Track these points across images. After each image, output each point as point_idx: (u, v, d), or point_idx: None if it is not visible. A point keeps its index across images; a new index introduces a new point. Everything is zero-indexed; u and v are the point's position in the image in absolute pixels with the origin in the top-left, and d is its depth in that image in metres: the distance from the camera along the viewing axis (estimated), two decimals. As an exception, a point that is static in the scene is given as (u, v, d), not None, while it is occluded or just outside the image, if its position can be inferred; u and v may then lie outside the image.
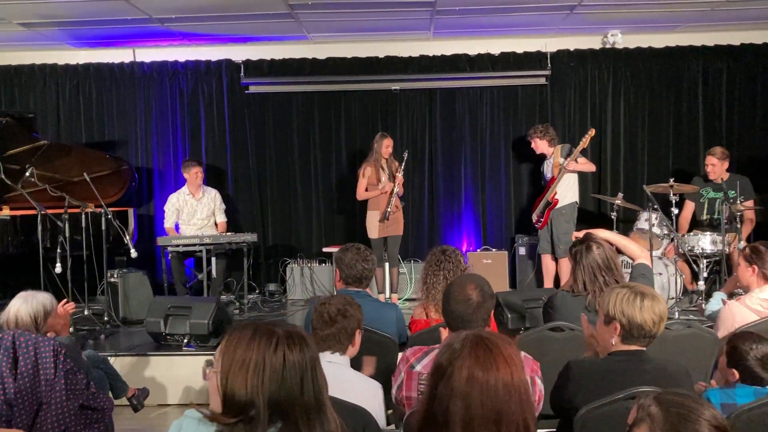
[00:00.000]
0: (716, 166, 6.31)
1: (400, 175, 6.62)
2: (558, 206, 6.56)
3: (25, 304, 3.35)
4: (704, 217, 6.51)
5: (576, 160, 6.53)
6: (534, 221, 6.80)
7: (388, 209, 6.54)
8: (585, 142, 6.56)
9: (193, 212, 6.89)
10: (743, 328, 3.16)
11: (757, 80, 7.53)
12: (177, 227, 6.94)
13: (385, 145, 6.69)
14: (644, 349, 2.46)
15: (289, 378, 1.60)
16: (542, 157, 6.95)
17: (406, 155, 6.76)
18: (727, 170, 6.42)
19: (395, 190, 6.59)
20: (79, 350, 3.79)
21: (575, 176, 6.68)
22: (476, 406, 1.60)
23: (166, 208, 6.96)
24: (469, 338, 1.68)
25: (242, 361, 1.60)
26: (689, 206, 6.63)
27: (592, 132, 6.61)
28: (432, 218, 7.81)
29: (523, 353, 2.47)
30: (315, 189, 7.81)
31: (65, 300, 3.75)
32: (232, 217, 7.50)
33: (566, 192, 6.61)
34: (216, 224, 7.04)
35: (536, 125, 6.91)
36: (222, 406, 1.61)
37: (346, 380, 2.60)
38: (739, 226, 5.83)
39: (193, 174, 6.80)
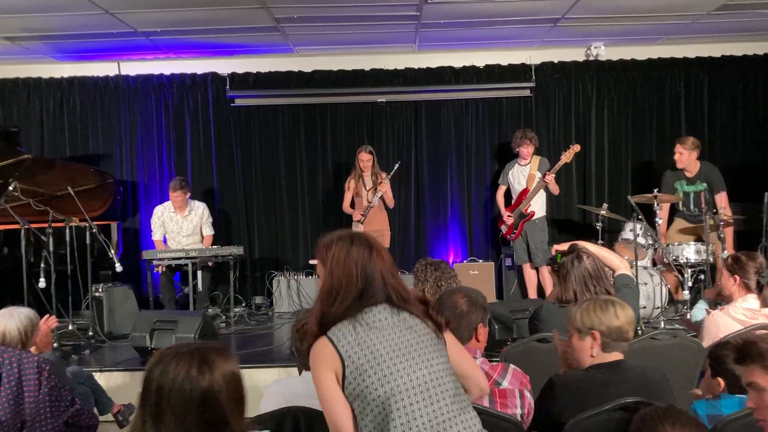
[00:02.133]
0: (683, 155, 6.33)
1: (381, 185, 6.63)
2: (534, 217, 6.68)
3: (12, 319, 3.31)
4: (682, 208, 6.54)
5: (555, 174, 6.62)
6: (505, 232, 6.86)
7: (363, 215, 6.65)
8: (569, 156, 6.63)
9: (179, 229, 6.87)
10: (727, 337, 3.18)
11: (738, 92, 7.64)
12: (165, 240, 6.92)
13: (360, 159, 6.74)
14: (623, 358, 2.50)
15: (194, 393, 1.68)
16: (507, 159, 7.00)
17: (397, 165, 6.80)
18: (698, 159, 6.44)
19: (372, 200, 6.62)
20: (63, 367, 3.76)
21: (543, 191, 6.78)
22: None
23: (152, 221, 6.93)
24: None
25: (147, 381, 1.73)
26: (665, 204, 6.62)
27: (576, 148, 6.67)
28: (418, 230, 7.83)
29: (512, 366, 2.48)
30: (301, 201, 7.81)
31: (48, 315, 3.71)
32: (218, 230, 7.47)
33: (539, 204, 6.73)
34: (203, 237, 7.02)
35: (529, 131, 6.87)
36: None
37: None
38: (722, 236, 5.88)
39: (175, 197, 6.75)
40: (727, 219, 6.06)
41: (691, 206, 6.46)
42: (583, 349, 2.50)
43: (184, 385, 1.68)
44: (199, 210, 6.99)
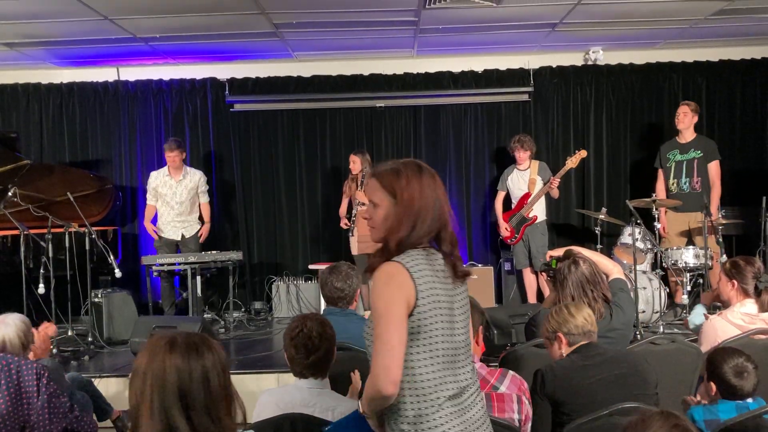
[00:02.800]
0: (687, 116, 6.43)
1: (358, 193, 6.61)
2: (536, 222, 6.70)
3: (8, 327, 3.31)
4: (672, 182, 6.57)
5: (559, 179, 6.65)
6: (506, 236, 6.86)
7: (351, 224, 6.66)
8: (575, 161, 6.64)
9: (173, 194, 6.83)
10: (725, 342, 3.18)
11: (736, 95, 7.66)
12: (155, 219, 6.91)
13: (350, 161, 6.74)
14: (592, 340, 2.82)
15: (174, 382, 1.68)
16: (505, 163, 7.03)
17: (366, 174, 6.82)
18: (696, 131, 6.56)
19: (355, 207, 6.64)
20: (62, 373, 3.75)
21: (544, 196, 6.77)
22: None
23: (147, 185, 6.92)
24: None
25: (133, 371, 1.72)
26: (660, 175, 6.72)
27: (583, 153, 6.69)
28: (418, 234, 7.81)
29: (511, 372, 2.49)
30: (300, 206, 7.81)
31: (46, 322, 3.71)
32: (217, 235, 7.48)
33: (540, 208, 6.74)
34: (200, 206, 7.00)
35: (522, 136, 6.89)
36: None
37: (328, 407, 2.57)
38: (720, 239, 5.89)
39: (170, 158, 6.73)
40: (724, 222, 6.08)
41: (683, 177, 6.48)
42: (555, 352, 2.83)
43: (173, 372, 1.69)
44: (195, 176, 6.94)
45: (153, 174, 6.91)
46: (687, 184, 6.48)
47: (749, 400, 2.59)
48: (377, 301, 1.91)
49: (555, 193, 6.79)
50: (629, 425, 1.86)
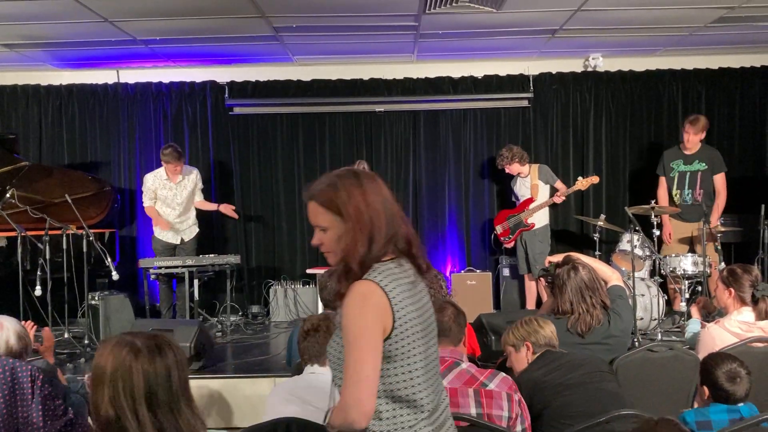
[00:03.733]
0: (697, 136, 6.36)
1: None
2: (535, 228, 6.67)
3: (3, 330, 3.30)
4: (674, 192, 6.56)
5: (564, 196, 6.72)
6: (499, 233, 6.86)
7: None
8: (585, 185, 6.64)
9: (174, 195, 6.82)
10: (723, 350, 3.17)
11: (735, 104, 7.67)
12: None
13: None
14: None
15: (142, 386, 1.74)
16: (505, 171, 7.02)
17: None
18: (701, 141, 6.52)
19: None
20: (56, 375, 3.73)
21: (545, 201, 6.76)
22: None
23: (143, 188, 6.87)
24: None
25: (99, 376, 1.75)
26: (662, 182, 6.69)
27: (595, 179, 6.71)
28: (416, 239, 7.81)
29: (503, 374, 2.49)
30: (299, 210, 7.80)
31: (31, 323, 3.70)
32: (215, 239, 7.47)
33: (540, 215, 6.72)
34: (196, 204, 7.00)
35: (500, 152, 6.90)
36: (94, 420, 1.78)
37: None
38: (719, 246, 5.88)
39: (171, 169, 6.70)
40: (722, 230, 6.08)
41: (686, 189, 6.48)
42: (520, 359, 2.94)
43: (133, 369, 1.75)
44: (192, 175, 6.93)
45: (149, 177, 6.86)
46: (690, 195, 6.48)
47: (740, 404, 2.60)
48: (350, 326, 1.77)
49: (561, 198, 6.78)
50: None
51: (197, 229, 7.01)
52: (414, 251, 1.93)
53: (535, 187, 6.73)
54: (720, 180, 6.47)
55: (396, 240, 1.89)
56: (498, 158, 6.92)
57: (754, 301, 3.42)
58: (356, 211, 1.84)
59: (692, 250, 6.34)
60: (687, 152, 6.52)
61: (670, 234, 6.57)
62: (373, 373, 1.75)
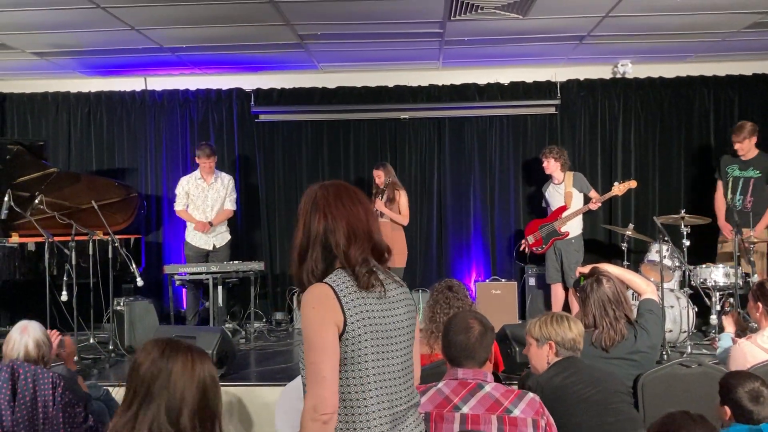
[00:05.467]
0: (744, 144, 6.28)
1: (377, 203, 6.58)
2: (568, 237, 6.52)
3: (27, 336, 3.32)
4: (728, 197, 6.45)
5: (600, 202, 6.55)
6: (531, 243, 6.73)
7: None
8: (622, 190, 6.48)
9: (204, 197, 6.84)
10: (755, 367, 3.07)
11: (769, 110, 7.48)
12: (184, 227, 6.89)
13: (375, 176, 6.76)
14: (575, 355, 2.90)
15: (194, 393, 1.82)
16: (546, 178, 6.89)
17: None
18: (756, 146, 6.39)
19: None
20: (77, 382, 3.75)
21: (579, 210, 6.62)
22: None
23: (177, 191, 6.90)
24: None
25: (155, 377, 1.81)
26: (720, 188, 6.61)
27: (633, 184, 6.54)
28: (440, 247, 7.75)
29: (530, 395, 2.41)
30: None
31: (67, 336, 3.73)
32: (241, 245, 7.48)
33: (574, 223, 6.56)
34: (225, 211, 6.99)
35: (552, 146, 6.78)
36: None
37: None
38: (752, 259, 5.72)
39: (206, 164, 6.76)
40: (758, 240, 5.91)
41: (738, 194, 6.38)
42: (540, 356, 2.90)
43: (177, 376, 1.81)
44: (225, 180, 6.96)
45: (184, 179, 6.91)
46: (741, 201, 6.36)
47: (764, 424, 2.49)
48: (306, 327, 1.85)
49: (597, 204, 6.61)
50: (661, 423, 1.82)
51: (229, 236, 7.01)
52: (381, 263, 2.01)
53: (569, 195, 6.58)
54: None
55: (362, 251, 1.95)
56: (545, 150, 6.73)
57: None
58: (306, 222, 1.97)
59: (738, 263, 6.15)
60: (743, 158, 6.40)
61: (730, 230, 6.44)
62: (331, 371, 1.81)
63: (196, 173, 6.88)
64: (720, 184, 6.62)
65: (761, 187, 6.32)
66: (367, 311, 1.89)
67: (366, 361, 1.87)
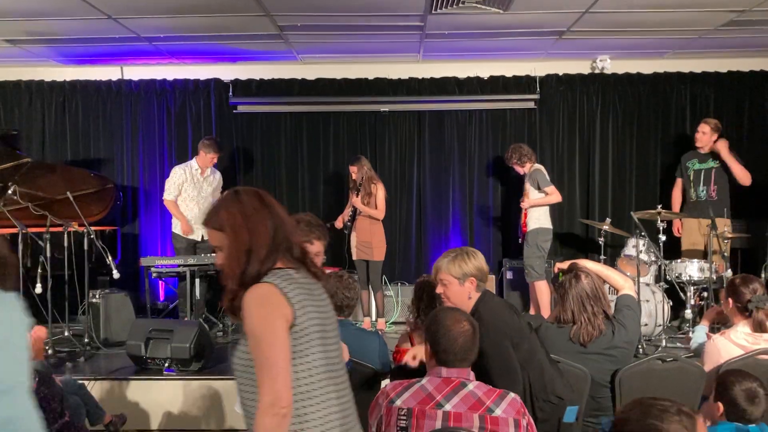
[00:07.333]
0: (706, 134, 6.50)
1: (354, 200, 6.56)
2: (527, 232, 6.51)
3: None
4: (692, 192, 6.61)
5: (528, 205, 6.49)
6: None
7: (347, 221, 6.61)
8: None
9: (200, 188, 6.76)
10: (729, 362, 3.11)
11: (744, 108, 7.58)
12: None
13: (350, 172, 6.69)
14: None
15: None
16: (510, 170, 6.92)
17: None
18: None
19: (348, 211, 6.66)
20: (52, 377, 3.70)
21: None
22: None
23: (169, 181, 6.71)
24: None
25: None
26: (678, 183, 6.84)
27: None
28: (420, 241, 7.77)
29: (512, 395, 2.41)
30: (302, 209, 7.74)
31: (37, 326, 3.66)
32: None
33: (532, 218, 6.49)
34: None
35: (508, 152, 6.69)
36: None
37: None
38: (726, 254, 5.81)
39: (209, 159, 6.68)
40: (730, 236, 6.01)
41: (701, 186, 6.55)
42: (462, 293, 2.99)
43: None
44: (217, 175, 6.92)
45: (178, 169, 6.73)
46: (704, 192, 6.55)
47: (752, 425, 2.52)
48: (255, 327, 1.87)
49: (547, 201, 6.48)
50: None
51: None
52: (307, 260, 2.07)
53: (527, 189, 6.58)
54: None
55: (290, 250, 2.02)
56: (506, 158, 6.70)
57: (748, 312, 3.33)
58: (233, 228, 1.97)
59: (705, 256, 6.25)
60: (701, 151, 6.60)
61: (678, 229, 6.67)
62: (285, 366, 1.85)
63: (192, 164, 6.74)
64: (678, 182, 6.84)
65: (721, 176, 6.53)
66: (311, 304, 1.96)
67: (313, 353, 1.93)
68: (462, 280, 2.98)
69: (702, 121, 6.65)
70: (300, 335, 1.91)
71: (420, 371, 2.79)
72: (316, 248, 3.10)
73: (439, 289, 3.08)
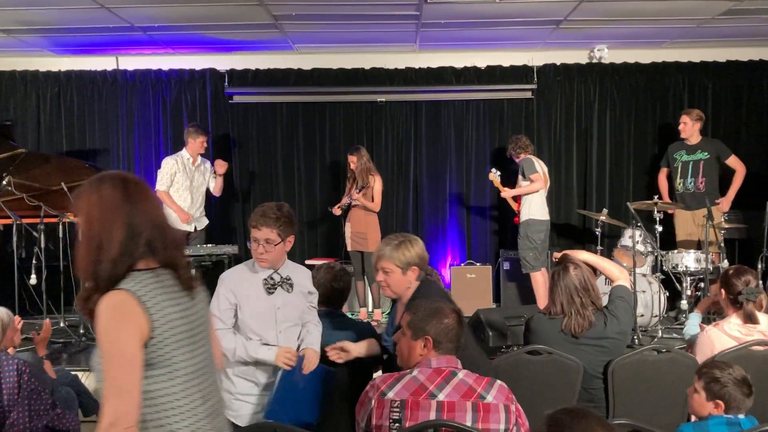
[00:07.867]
0: (687, 125, 6.50)
1: (352, 194, 6.53)
2: (519, 223, 6.52)
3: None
4: (678, 182, 6.60)
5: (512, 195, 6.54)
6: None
7: (343, 205, 6.61)
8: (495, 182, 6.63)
9: (192, 177, 6.69)
10: (722, 354, 3.10)
11: (742, 97, 7.55)
12: None
13: (349, 162, 6.66)
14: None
15: None
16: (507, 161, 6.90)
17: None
18: (705, 133, 6.65)
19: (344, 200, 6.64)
20: (43, 368, 3.70)
21: (529, 195, 6.48)
22: None
23: (161, 172, 6.61)
24: None
25: None
26: (663, 171, 6.83)
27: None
28: (416, 231, 7.74)
29: (499, 382, 2.41)
30: (298, 201, 7.74)
31: (18, 317, 3.67)
32: (214, 227, 7.41)
33: (523, 210, 6.49)
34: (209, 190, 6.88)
35: (509, 142, 6.74)
36: None
37: None
38: (723, 244, 5.80)
39: (199, 143, 6.60)
40: (726, 227, 5.99)
41: (689, 177, 6.52)
42: (404, 282, 3.07)
43: None
44: (207, 164, 6.85)
45: (169, 160, 6.64)
46: (692, 183, 6.51)
47: (740, 416, 2.51)
48: (104, 340, 1.71)
49: (527, 190, 6.46)
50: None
51: (207, 220, 6.92)
52: (177, 261, 1.87)
53: (518, 185, 6.58)
54: (733, 161, 6.56)
55: (154, 249, 1.82)
56: (508, 148, 6.74)
57: (738, 304, 3.31)
58: (87, 218, 1.79)
59: (700, 247, 6.24)
60: (689, 143, 6.56)
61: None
62: (134, 385, 1.71)
63: (183, 154, 6.66)
64: (663, 171, 6.83)
65: (711, 168, 6.49)
66: (175, 309, 1.81)
67: (175, 363, 1.80)
68: (405, 269, 3.04)
69: (683, 112, 6.64)
70: (160, 345, 1.78)
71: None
72: (263, 234, 3.10)
73: (379, 277, 3.11)
